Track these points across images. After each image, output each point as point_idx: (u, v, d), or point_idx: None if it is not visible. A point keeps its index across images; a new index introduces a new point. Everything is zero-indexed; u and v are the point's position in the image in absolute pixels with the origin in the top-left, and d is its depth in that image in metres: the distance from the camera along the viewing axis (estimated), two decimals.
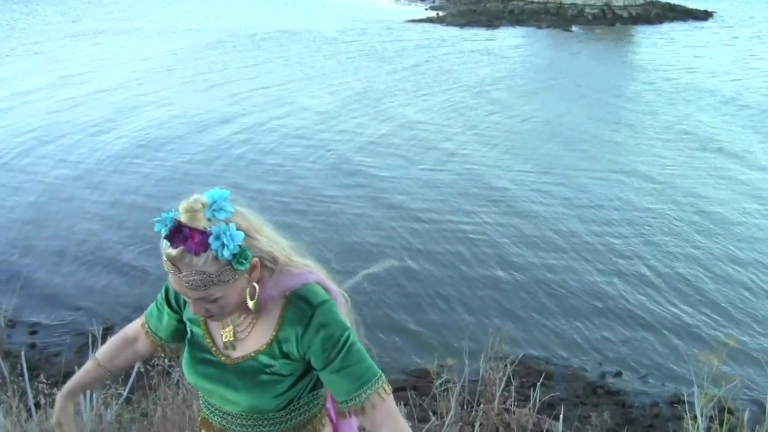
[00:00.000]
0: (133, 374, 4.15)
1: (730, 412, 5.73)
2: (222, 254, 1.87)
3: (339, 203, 12.67)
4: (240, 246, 1.90)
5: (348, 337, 2.00)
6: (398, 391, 6.53)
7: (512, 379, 4.56)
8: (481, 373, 4.93)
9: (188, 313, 2.21)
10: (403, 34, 33.98)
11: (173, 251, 1.88)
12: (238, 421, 2.12)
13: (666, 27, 37.96)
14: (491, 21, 38.15)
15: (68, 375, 2.59)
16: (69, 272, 10.40)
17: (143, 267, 10.39)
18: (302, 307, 2.01)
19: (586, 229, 11.76)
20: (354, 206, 12.58)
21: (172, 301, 2.25)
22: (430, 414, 4.38)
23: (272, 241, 2.02)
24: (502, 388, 4.51)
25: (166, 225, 1.88)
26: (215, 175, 13.65)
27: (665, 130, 17.73)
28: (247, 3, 46.46)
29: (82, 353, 7.78)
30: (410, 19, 39.00)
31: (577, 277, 10.27)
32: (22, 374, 4.23)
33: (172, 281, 1.94)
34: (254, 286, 2.01)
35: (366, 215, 12.24)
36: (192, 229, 1.87)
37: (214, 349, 2.13)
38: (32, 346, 8.42)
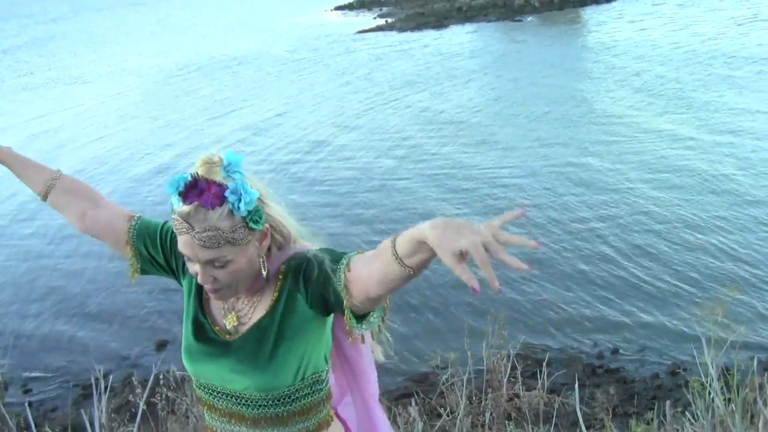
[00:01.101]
0: (140, 412, 4.11)
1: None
2: (238, 208, 1.86)
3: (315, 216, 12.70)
4: (256, 205, 1.90)
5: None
6: (405, 397, 6.52)
7: (517, 364, 4.56)
8: (485, 363, 4.94)
9: (187, 281, 2.18)
10: (354, 45, 34.02)
11: (187, 207, 1.87)
12: (242, 401, 2.04)
13: (614, 4, 38.31)
14: (440, 21, 38.28)
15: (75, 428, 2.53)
16: (51, 327, 10.37)
17: (120, 312, 10.43)
18: (299, 258, 1.99)
19: (560, 210, 11.84)
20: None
21: (168, 253, 2.21)
22: (441, 410, 4.38)
23: (282, 215, 2.02)
24: (508, 374, 4.52)
25: (180, 183, 1.88)
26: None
27: (621, 104, 17.89)
28: (197, 34, 46.30)
29: (79, 405, 7.73)
30: (360, 29, 39.05)
31: (560, 258, 10.32)
32: (29, 429, 4.18)
33: (183, 244, 1.92)
34: (263, 260, 1.99)
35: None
36: (209, 182, 1.87)
37: (216, 328, 2.08)
38: (29, 404, 8.36)
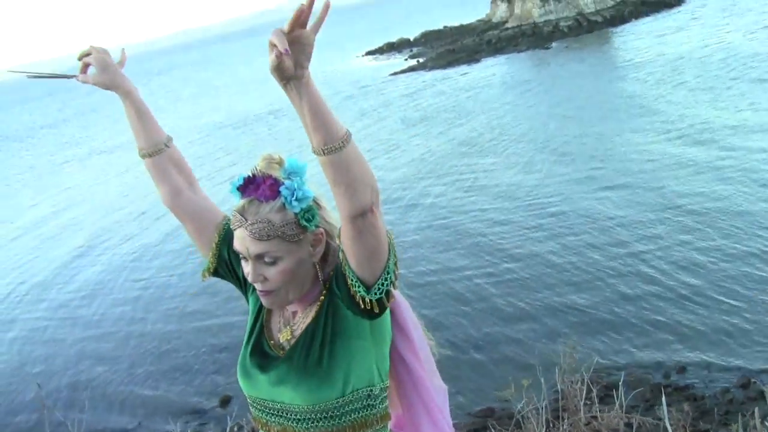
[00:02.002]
0: None
1: None
2: (291, 204, 1.90)
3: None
4: (310, 204, 1.92)
5: None
6: (481, 431, 6.52)
7: (592, 386, 4.57)
8: (559, 387, 4.95)
9: (253, 298, 2.16)
10: (386, 88, 34.40)
11: (243, 200, 1.92)
12: (291, 415, 1.99)
13: (642, 22, 38.29)
14: (471, 56, 38.56)
15: None
16: (121, 383, 10.58)
17: (179, 370, 10.59)
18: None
19: (599, 234, 11.78)
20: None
21: (232, 263, 2.19)
22: None
23: (338, 222, 1.91)
24: (584, 397, 4.53)
25: (240, 179, 1.94)
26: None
27: (667, 123, 17.79)
28: (232, 91, 47.12)
29: None
30: (392, 72, 39.44)
31: (618, 280, 10.27)
32: None
33: (237, 239, 1.94)
34: (318, 267, 1.99)
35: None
36: (265, 176, 1.91)
37: (271, 342, 2.07)
38: None
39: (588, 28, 39.03)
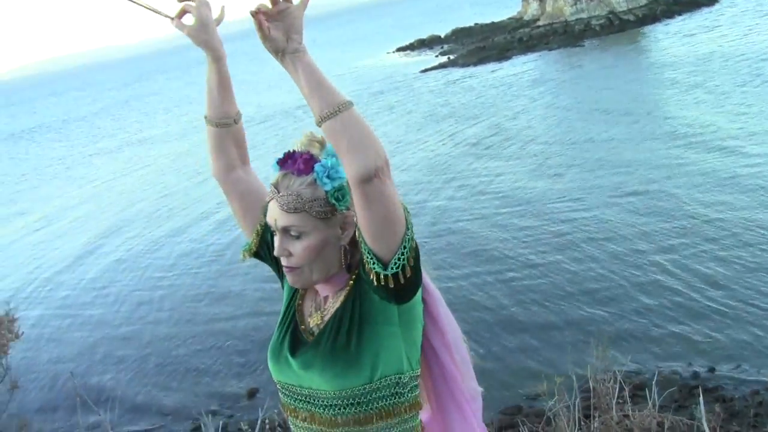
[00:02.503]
0: None
1: None
2: (322, 180, 1.91)
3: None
4: (342, 184, 1.92)
5: None
6: (510, 428, 6.56)
7: (624, 385, 4.60)
8: (591, 385, 4.98)
9: (287, 284, 2.15)
10: (416, 84, 34.46)
11: (279, 173, 1.96)
12: (318, 401, 1.99)
13: (674, 21, 37.99)
14: (502, 53, 38.46)
15: None
16: (145, 379, 10.74)
17: (206, 365, 10.72)
18: None
19: (633, 239, 11.73)
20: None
21: (267, 242, 2.19)
22: None
23: None
24: (616, 395, 4.56)
25: (282, 155, 1.98)
26: None
27: (693, 128, 17.65)
28: (262, 86, 47.33)
29: None
30: (423, 69, 39.45)
31: (647, 277, 10.27)
32: None
33: (269, 210, 1.97)
34: (346, 251, 2.00)
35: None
36: (303, 153, 1.95)
37: (302, 327, 2.07)
38: None
39: (620, 27, 38.77)
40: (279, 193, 1.93)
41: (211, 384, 10.18)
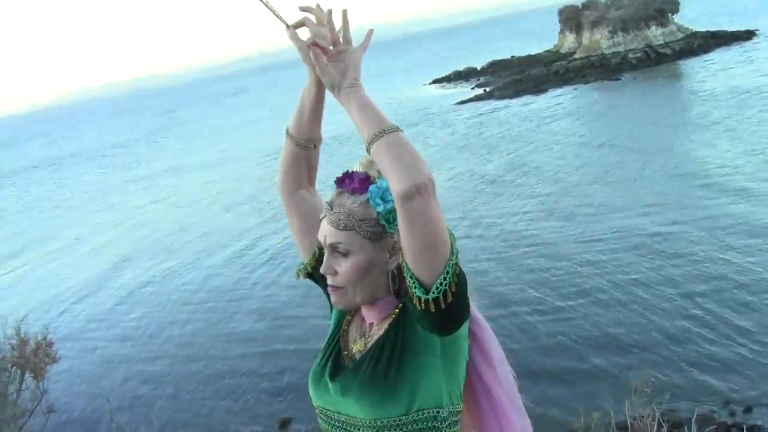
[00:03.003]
0: None
1: None
2: (375, 202, 1.90)
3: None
4: (394, 209, 1.85)
5: None
6: None
7: (663, 423, 4.64)
8: (628, 422, 5.04)
9: (336, 309, 2.16)
10: (452, 116, 34.77)
11: (335, 192, 1.96)
12: (354, 429, 1.95)
13: (712, 55, 37.92)
14: (538, 86, 38.63)
15: None
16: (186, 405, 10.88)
17: (239, 391, 10.85)
18: None
19: (690, 273, 11.75)
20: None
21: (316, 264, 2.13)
22: None
23: None
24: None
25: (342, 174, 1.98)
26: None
27: (717, 160, 17.59)
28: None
29: None
30: (459, 101, 39.65)
31: (679, 320, 10.27)
32: None
33: (321, 227, 1.96)
34: (393, 276, 1.96)
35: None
36: (361, 174, 1.96)
37: (345, 353, 2.05)
38: None
39: (656, 61, 38.79)
40: (332, 210, 1.93)
41: (245, 410, 10.31)
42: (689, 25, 42.53)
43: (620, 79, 36.10)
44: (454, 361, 1.94)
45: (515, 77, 43.53)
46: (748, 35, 41.89)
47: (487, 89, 42.00)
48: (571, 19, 46.52)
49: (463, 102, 39.04)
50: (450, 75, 55.22)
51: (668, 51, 39.75)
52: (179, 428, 10.24)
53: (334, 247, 1.93)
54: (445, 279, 1.76)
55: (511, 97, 37.39)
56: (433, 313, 1.78)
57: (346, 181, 1.95)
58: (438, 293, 1.76)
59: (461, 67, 56.83)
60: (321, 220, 1.97)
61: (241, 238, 19.09)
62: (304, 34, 1.90)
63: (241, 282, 15.54)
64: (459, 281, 1.79)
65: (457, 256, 1.79)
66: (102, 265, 19.53)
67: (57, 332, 12.95)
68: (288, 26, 1.91)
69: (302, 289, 13.57)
